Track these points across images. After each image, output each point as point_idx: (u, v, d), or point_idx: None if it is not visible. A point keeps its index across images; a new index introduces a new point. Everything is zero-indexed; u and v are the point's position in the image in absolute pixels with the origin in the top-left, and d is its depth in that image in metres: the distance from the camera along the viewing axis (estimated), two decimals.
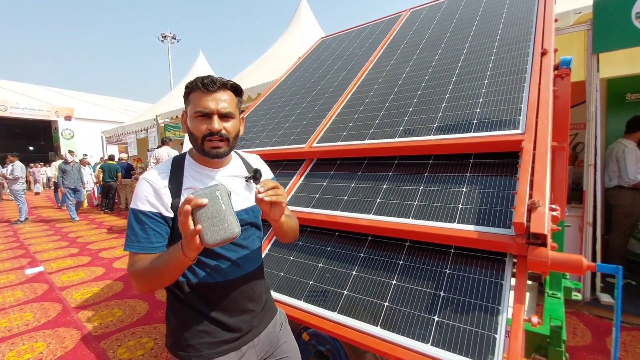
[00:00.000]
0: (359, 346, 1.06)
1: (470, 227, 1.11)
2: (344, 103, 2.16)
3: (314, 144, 1.88)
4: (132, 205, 0.90)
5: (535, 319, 0.88)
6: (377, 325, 1.07)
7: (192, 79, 0.94)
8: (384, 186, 1.46)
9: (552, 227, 0.98)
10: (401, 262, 1.21)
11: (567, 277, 1.72)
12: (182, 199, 0.90)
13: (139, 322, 2.73)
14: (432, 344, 0.95)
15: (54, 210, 9.75)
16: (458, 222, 1.15)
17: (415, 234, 1.22)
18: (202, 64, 11.76)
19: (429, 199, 1.29)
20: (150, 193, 0.90)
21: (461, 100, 1.59)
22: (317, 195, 1.62)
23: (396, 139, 1.57)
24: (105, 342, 2.47)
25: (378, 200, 1.41)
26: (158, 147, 6.19)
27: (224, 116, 0.93)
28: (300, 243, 1.52)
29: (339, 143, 1.79)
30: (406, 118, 1.68)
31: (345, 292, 1.22)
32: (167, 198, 0.90)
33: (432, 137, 1.47)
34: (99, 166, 9.46)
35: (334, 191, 1.59)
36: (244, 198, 1.01)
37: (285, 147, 2.04)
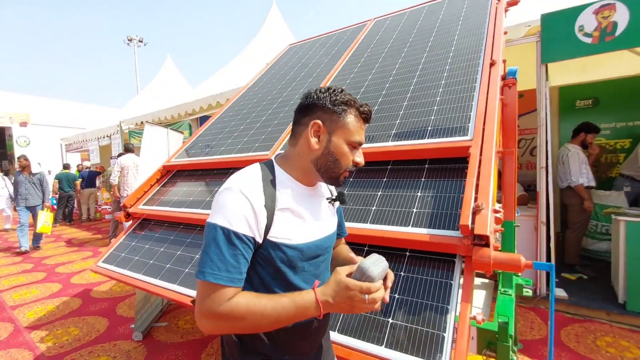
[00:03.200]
0: None
1: (423, 231, 1.15)
2: None
3: (278, 151, 1.88)
4: (219, 222, 0.71)
5: (479, 317, 0.92)
6: (334, 331, 1.08)
7: (352, 99, 0.82)
8: (345, 192, 1.49)
9: (495, 228, 1.04)
10: None
11: (519, 274, 1.83)
12: (276, 221, 0.75)
13: (98, 340, 2.58)
14: (385, 346, 0.97)
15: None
16: (412, 226, 1.19)
17: (373, 238, 1.25)
18: (169, 68, 11.45)
19: (386, 204, 1.33)
20: (249, 211, 0.72)
21: (418, 108, 1.65)
22: None
23: None
24: None
25: None
26: (121, 155, 5.93)
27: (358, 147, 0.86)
28: None
29: None
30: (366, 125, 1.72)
31: None
32: (263, 221, 0.74)
33: (390, 143, 1.52)
34: (54, 176, 8.90)
35: None
36: (327, 222, 0.89)
37: (250, 154, 2.02)
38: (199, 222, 1.86)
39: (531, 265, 0.91)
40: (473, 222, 1.00)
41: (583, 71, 4.42)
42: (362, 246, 1.29)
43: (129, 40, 20.17)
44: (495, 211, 1.07)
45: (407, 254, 1.19)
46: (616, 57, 3.45)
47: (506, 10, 2.37)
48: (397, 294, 1.09)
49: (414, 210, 1.24)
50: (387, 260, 1.20)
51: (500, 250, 1.83)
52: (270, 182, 0.79)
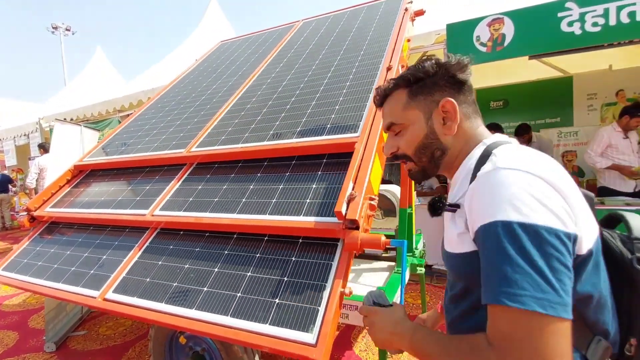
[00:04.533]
0: (210, 337, 1.14)
1: (312, 219, 1.27)
2: (228, 108, 2.22)
3: (193, 149, 1.90)
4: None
5: (347, 290, 1.06)
6: (227, 315, 1.15)
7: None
8: (251, 186, 1.57)
9: (368, 214, 1.19)
10: (258, 255, 1.32)
11: (414, 254, 2.07)
12: None
13: (5, 355, 2.37)
14: (270, 324, 1.07)
15: None
16: (304, 215, 1.30)
17: (272, 228, 1.35)
18: (100, 60, 10.54)
19: (285, 196, 1.43)
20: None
21: (323, 107, 1.79)
22: (191, 199, 1.65)
23: (265, 142, 1.69)
24: None
25: (244, 200, 1.51)
26: (40, 155, 5.38)
27: (392, 132, 0.75)
28: (172, 247, 1.54)
29: (216, 147, 1.84)
30: (277, 123, 1.82)
31: (205, 288, 1.28)
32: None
33: (294, 140, 1.63)
34: None
35: (207, 194, 1.64)
36: (446, 235, 0.72)
37: (166, 152, 2.01)
38: (109, 222, 1.81)
39: (389, 243, 1.08)
40: (347, 209, 1.14)
41: (498, 76, 5.00)
42: (262, 236, 1.38)
43: (53, 28, 18.13)
44: (371, 199, 1.23)
45: (300, 240, 1.31)
46: (523, 64, 3.97)
47: (413, 20, 2.62)
48: (287, 277, 1.20)
49: (307, 201, 1.36)
50: (283, 248, 1.31)
51: (394, 234, 2.05)
52: None
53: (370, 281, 1.83)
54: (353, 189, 1.21)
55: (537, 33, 2.79)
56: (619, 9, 2.55)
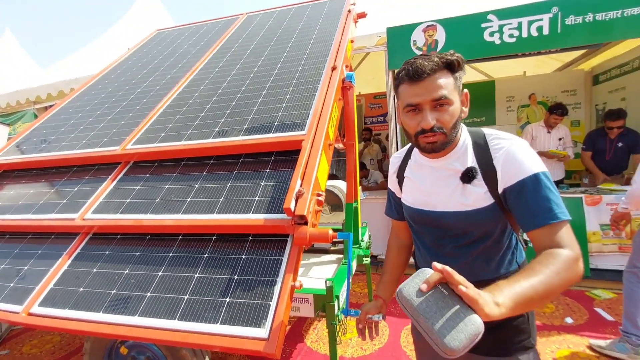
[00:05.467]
0: (157, 343, 1.09)
1: (262, 216, 1.28)
2: (168, 102, 2.10)
3: (129, 146, 1.77)
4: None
5: (297, 283, 1.10)
6: (175, 319, 1.12)
7: (406, 62, 0.83)
8: (197, 185, 1.52)
9: (316, 209, 1.23)
10: (206, 255, 1.29)
11: (360, 246, 2.19)
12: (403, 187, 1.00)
13: None
14: (221, 323, 1.07)
15: None
16: (253, 213, 1.31)
17: (220, 227, 1.32)
18: (9, 44, 9.11)
19: (233, 195, 1.41)
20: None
21: (270, 104, 1.79)
22: (128, 200, 1.54)
23: (210, 140, 1.65)
24: None
25: (189, 199, 1.45)
26: None
27: (439, 105, 0.81)
28: (107, 252, 1.42)
29: (156, 144, 1.74)
30: (222, 120, 1.77)
31: (149, 294, 1.22)
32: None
33: (241, 137, 1.61)
34: None
35: (147, 194, 1.55)
36: (443, 197, 0.89)
37: (97, 149, 1.84)
38: (29, 229, 1.62)
39: (336, 236, 1.13)
40: (296, 205, 1.17)
41: None
42: (210, 236, 1.35)
43: None
44: (318, 195, 1.27)
45: (250, 238, 1.31)
46: None
47: (355, 21, 2.72)
48: (237, 275, 1.19)
49: (256, 198, 1.36)
50: (232, 247, 1.30)
51: (341, 227, 2.14)
52: (408, 154, 1.02)
53: (319, 274, 1.89)
54: (301, 186, 1.24)
55: (464, 40, 3.09)
56: (530, 23, 2.94)
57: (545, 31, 2.91)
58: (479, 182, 0.83)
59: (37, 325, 1.26)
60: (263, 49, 2.46)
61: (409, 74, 0.81)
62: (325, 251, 2.24)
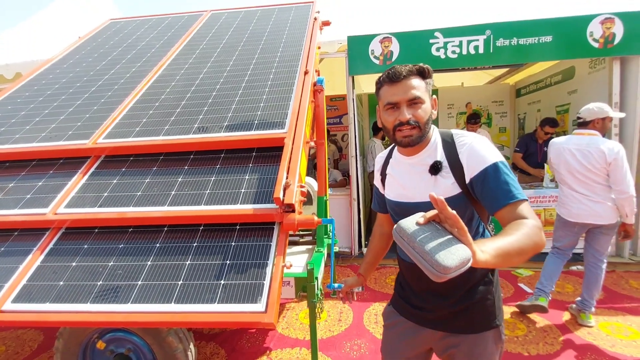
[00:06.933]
0: (154, 326, 1.15)
1: (249, 206, 1.38)
2: (137, 97, 2.07)
3: (100, 140, 1.74)
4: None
5: (288, 264, 1.23)
6: (171, 303, 1.18)
7: (388, 70, 0.98)
8: (180, 179, 1.56)
9: (300, 199, 1.38)
10: (195, 244, 1.36)
11: (328, 236, 2.38)
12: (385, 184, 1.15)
13: None
14: (218, 303, 1.16)
15: None
16: (241, 204, 1.41)
17: (208, 217, 1.40)
18: None
19: (219, 187, 1.49)
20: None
21: (248, 103, 1.88)
22: (106, 194, 1.53)
23: (191, 136, 1.70)
24: None
25: (173, 192, 1.50)
26: None
27: (413, 103, 0.94)
28: (86, 246, 1.41)
29: (131, 139, 1.73)
30: (201, 116, 1.82)
31: (140, 282, 1.26)
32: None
33: (222, 134, 1.68)
34: None
35: (126, 188, 1.55)
36: (418, 190, 1.01)
37: (61, 143, 1.77)
38: None
39: (320, 222, 1.29)
40: (284, 195, 1.30)
41: None
42: (197, 227, 1.42)
43: None
44: (301, 186, 1.42)
45: (238, 227, 1.41)
46: None
47: (321, 28, 2.91)
48: (229, 260, 1.29)
49: (243, 190, 1.46)
50: (221, 236, 1.38)
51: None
52: (389, 154, 1.16)
53: (294, 262, 2.02)
54: (287, 178, 1.37)
55: (415, 53, 3.45)
56: (469, 42, 3.39)
57: (481, 50, 3.39)
58: (447, 174, 0.97)
59: (11, 321, 1.22)
60: (233, 49, 2.52)
61: (389, 76, 0.97)
62: (295, 243, 2.37)
